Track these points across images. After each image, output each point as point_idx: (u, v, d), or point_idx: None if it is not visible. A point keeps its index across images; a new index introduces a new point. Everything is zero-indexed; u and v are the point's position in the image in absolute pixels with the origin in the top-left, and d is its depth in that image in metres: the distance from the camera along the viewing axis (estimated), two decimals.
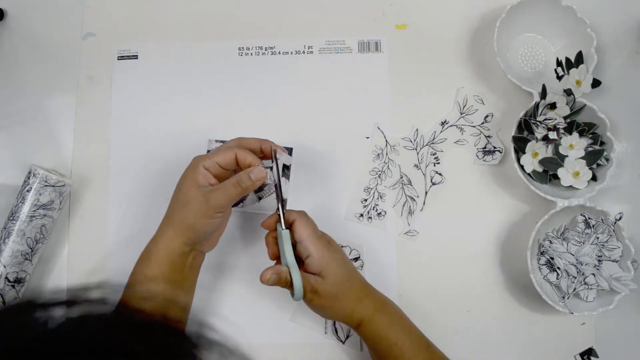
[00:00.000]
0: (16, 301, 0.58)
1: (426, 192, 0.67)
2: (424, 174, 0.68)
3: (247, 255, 0.66)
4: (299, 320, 0.65)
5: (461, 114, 0.69)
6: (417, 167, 0.68)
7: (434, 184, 0.68)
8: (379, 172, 0.68)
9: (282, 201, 0.55)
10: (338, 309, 0.54)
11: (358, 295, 0.55)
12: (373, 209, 0.67)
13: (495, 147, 0.68)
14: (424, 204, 0.67)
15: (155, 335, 0.29)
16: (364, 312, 0.55)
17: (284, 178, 0.68)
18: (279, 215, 0.55)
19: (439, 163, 0.68)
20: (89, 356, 0.25)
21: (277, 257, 0.57)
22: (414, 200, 0.67)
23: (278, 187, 0.56)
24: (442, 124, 0.69)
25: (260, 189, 0.67)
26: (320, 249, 0.54)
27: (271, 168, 0.56)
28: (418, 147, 0.69)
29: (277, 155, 0.56)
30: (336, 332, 0.64)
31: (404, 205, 0.67)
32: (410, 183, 0.68)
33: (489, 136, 0.68)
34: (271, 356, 0.64)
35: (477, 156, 0.68)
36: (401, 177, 0.68)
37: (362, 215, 0.67)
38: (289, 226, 0.55)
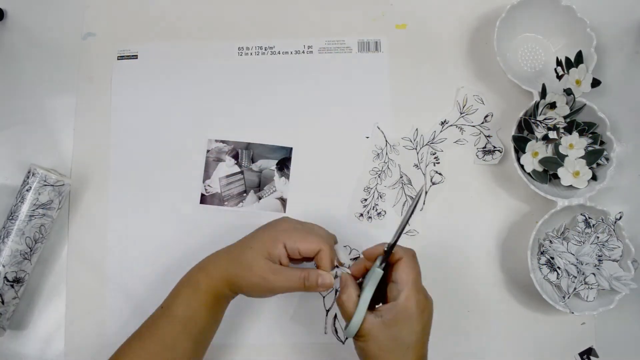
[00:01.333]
0: None
1: (426, 192, 0.67)
2: (423, 174, 0.68)
3: None
4: (300, 320, 0.64)
5: (461, 113, 0.69)
6: (417, 166, 0.68)
7: (433, 183, 0.68)
8: (379, 172, 0.68)
9: (399, 236, 0.49)
10: None
11: None
12: (373, 209, 0.67)
13: (495, 147, 0.68)
14: (423, 203, 0.67)
15: None
16: None
17: (283, 178, 0.68)
18: (387, 250, 0.49)
19: (438, 163, 0.68)
20: None
21: None
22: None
23: (404, 221, 0.50)
24: (442, 123, 0.69)
25: (259, 188, 0.67)
26: (411, 300, 0.47)
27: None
28: (418, 146, 0.68)
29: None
30: (336, 332, 0.64)
31: (403, 205, 0.67)
32: (410, 183, 0.68)
33: (488, 136, 0.68)
34: (271, 356, 0.64)
35: (477, 156, 0.68)
36: (401, 177, 0.68)
37: (362, 215, 0.67)
38: (391, 262, 0.50)
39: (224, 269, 0.53)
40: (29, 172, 0.62)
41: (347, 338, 0.63)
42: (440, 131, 0.69)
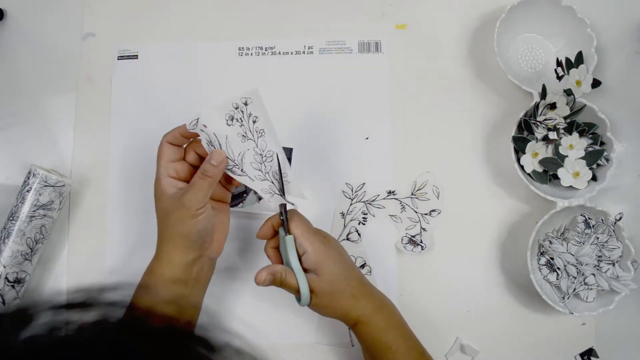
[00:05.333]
0: (29, 301, 0.56)
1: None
2: (345, 226, 0.67)
3: (246, 256, 0.66)
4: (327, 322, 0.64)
5: (412, 194, 0.68)
6: (343, 215, 0.67)
7: (348, 239, 0.67)
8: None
9: (285, 206, 0.54)
10: (335, 307, 0.54)
11: (355, 294, 0.54)
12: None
13: (422, 242, 0.66)
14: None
15: (178, 344, 0.27)
16: (361, 312, 0.54)
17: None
18: (283, 220, 0.54)
19: (364, 224, 0.67)
20: None
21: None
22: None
23: (282, 191, 0.54)
24: (389, 192, 0.67)
25: None
26: (316, 244, 0.53)
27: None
28: (355, 199, 0.67)
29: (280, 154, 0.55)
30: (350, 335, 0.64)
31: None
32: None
33: (424, 229, 0.66)
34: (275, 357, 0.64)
35: (402, 240, 0.66)
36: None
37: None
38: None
39: (162, 244, 0.53)
40: (29, 173, 0.62)
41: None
42: (383, 198, 0.67)
